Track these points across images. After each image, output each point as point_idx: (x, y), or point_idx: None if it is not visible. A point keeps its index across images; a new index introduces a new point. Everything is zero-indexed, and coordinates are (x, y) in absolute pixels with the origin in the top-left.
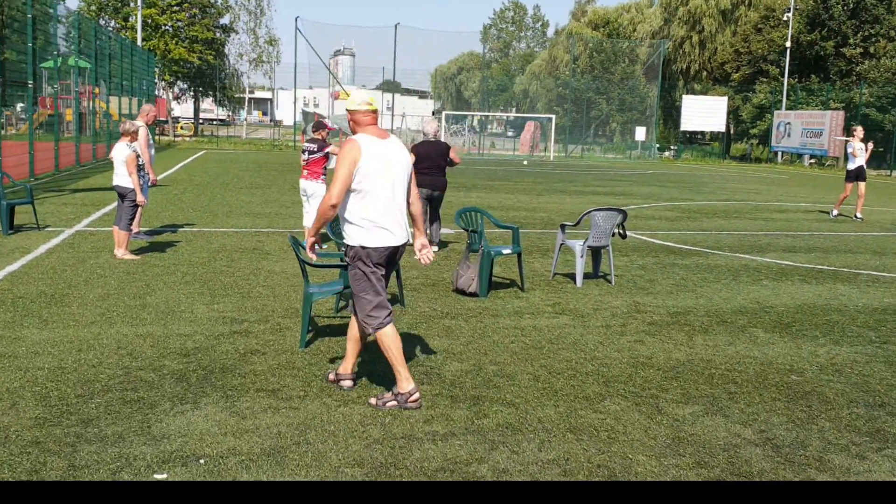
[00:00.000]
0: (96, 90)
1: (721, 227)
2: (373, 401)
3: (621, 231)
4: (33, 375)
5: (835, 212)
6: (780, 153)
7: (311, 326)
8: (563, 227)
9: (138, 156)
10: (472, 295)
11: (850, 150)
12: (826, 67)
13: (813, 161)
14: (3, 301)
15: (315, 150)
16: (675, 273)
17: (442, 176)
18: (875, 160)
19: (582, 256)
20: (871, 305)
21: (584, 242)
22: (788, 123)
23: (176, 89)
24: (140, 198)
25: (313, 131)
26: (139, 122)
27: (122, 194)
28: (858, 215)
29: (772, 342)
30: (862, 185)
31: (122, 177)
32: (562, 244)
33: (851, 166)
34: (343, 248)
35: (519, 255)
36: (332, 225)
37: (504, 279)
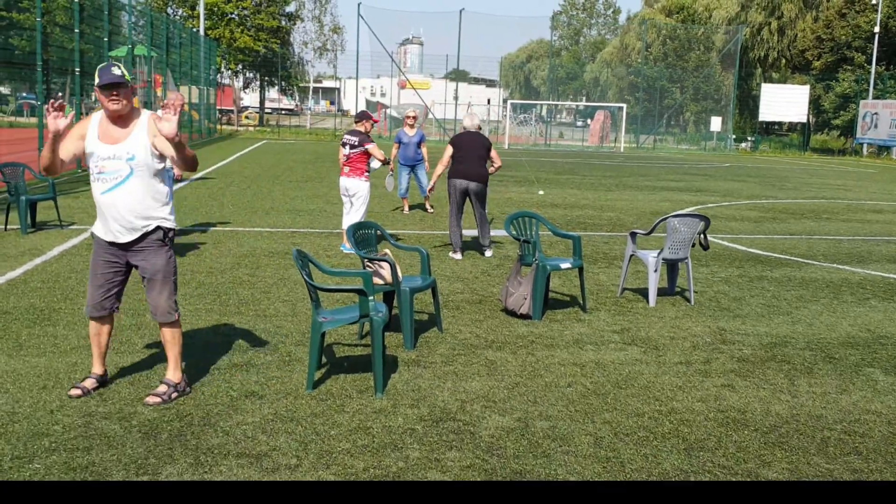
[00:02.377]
0: (162, 79)
1: (811, 230)
2: (155, 399)
3: (703, 241)
4: None
5: None
6: (865, 145)
7: (325, 358)
8: (633, 234)
9: None
10: (523, 317)
11: None
12: None
13: None
14: None
15: (356, 143)
16: (765, 289)
17: (480, 167)
18: None
19: (656, 271)
20: None
21: (659, 254)
22: (875, 114)
23: (242, 78)
24: None
25: (356, 122)
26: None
27: None
28: None
29: None
30: None
31: None
32: (632, 255)
33: None
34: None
35: (580, 269)
36: (355, 239)
37: (563, 295)
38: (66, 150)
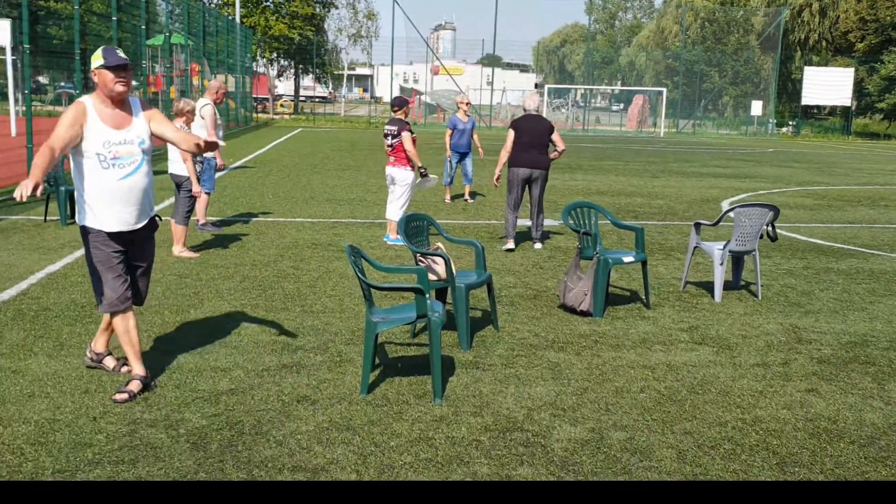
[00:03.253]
0: (198, 68)
1: (871, 218)
2: (123, 396)
3: (771, 232)
4: (12, 434)
5: None
6: None
7: (378, 359)
8: (697, 225)
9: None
10: (583, 314)
11: None
12: None
13: None
14: (23, 314)
15: (395, 133)
16: (834, 282)
17: (543, 154)
18: None
19: (722, 264)
20: None
21: (726, 246)
22: None
23: (277, 67)
24: (196, 188)
25: (393, 109)
26: (204, 100)
27: (178, 183)
28: None
29: None
30: None
31: (177, 163)
32: (696, 247)
33: None
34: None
35: (643, 262)
36: (406, 232)
37: (623, 290)
38: (63, 141)
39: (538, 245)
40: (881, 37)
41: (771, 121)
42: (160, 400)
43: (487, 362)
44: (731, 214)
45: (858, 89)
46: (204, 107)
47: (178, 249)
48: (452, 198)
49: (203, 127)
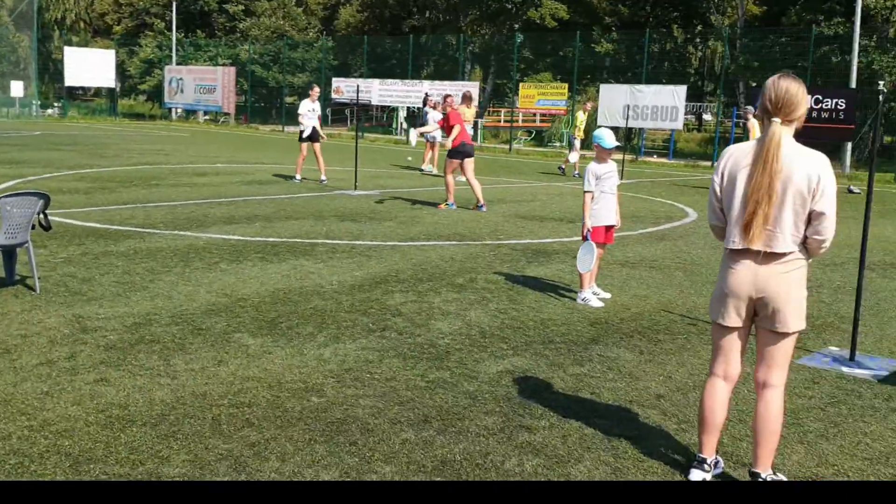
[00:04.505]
0: None
1: (145, 197)
2: None
3: (43, 221)
4: None
5: (298, 177)
6: (174, 110)
7: None
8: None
9: None
10: None
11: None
12: (211, 23)
13: (208, 117)
14: None
15: None
16: (114, 266)
17: None
18: (262, 115)
19: None
20: (345, 283)
21: None
22: (181, 79)
23: None
24: None
25: None
26: None
27: None
28: (323, 178)
29: (268, 350)
30: (317, 146)
31: None
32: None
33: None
34: None
35: None
36: None
37: None
38: None
39: None
40: (137, 20)
41: (35, 102)
42: None
43: None
44: None
45: (121, 71)
46: None
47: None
48: None
49: None
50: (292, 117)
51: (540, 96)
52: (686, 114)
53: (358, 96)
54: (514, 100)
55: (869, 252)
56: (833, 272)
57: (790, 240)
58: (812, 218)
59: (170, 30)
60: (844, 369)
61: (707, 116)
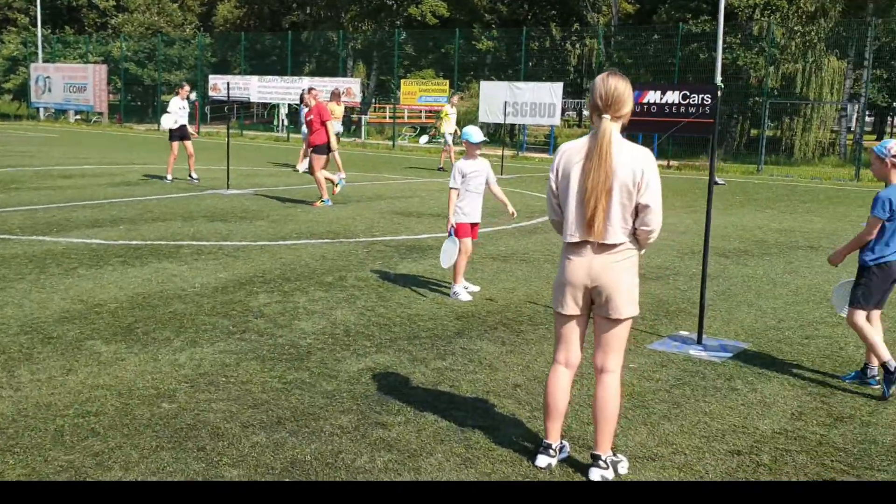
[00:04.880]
0: None
1: (3, 202)
2: None
3: None
4: None
5: (169, 177)
6: (41, 109)
7: None
8: None
9: None
10: None
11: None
12: (80, 19)
13: (79, 117)
14: None
15: None
16: None
17: None
18: (138, 114)
19: None
20: (209, 285)
21: None
22: (48, 77)
23: None
24: None
25: None
26: None
27: None
28: (194, 175)
29: (121, 357)
30: (188, 143)
31: None
32: None
33: (174, 126)
34: None
35: None
36: None
37: None
38: None
39: None
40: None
41: None
42: None
43: None
44: None
45: None
46: None
47: None
48: None
49: None
50: None
51: (422, 93)
52: (567, 110)
53: (229, 93)
54: (397, 96)
55: (725, 240)
56: (690, 260)
57: (620, 231)
58: (639, 210)
59: (35, 25)
60: (692, 352)
61: (587, 112)
